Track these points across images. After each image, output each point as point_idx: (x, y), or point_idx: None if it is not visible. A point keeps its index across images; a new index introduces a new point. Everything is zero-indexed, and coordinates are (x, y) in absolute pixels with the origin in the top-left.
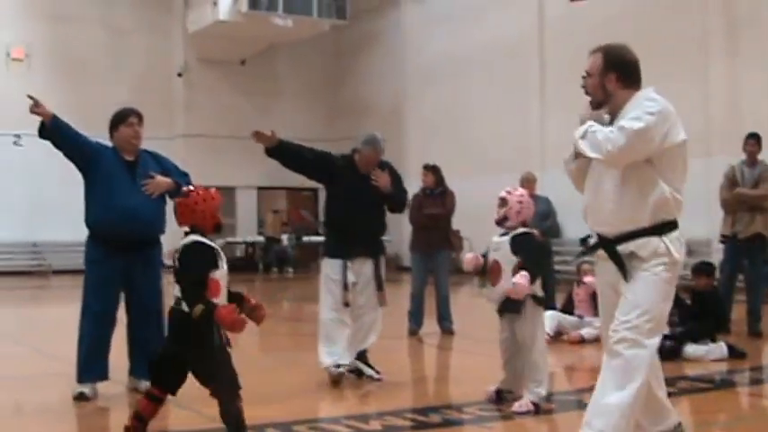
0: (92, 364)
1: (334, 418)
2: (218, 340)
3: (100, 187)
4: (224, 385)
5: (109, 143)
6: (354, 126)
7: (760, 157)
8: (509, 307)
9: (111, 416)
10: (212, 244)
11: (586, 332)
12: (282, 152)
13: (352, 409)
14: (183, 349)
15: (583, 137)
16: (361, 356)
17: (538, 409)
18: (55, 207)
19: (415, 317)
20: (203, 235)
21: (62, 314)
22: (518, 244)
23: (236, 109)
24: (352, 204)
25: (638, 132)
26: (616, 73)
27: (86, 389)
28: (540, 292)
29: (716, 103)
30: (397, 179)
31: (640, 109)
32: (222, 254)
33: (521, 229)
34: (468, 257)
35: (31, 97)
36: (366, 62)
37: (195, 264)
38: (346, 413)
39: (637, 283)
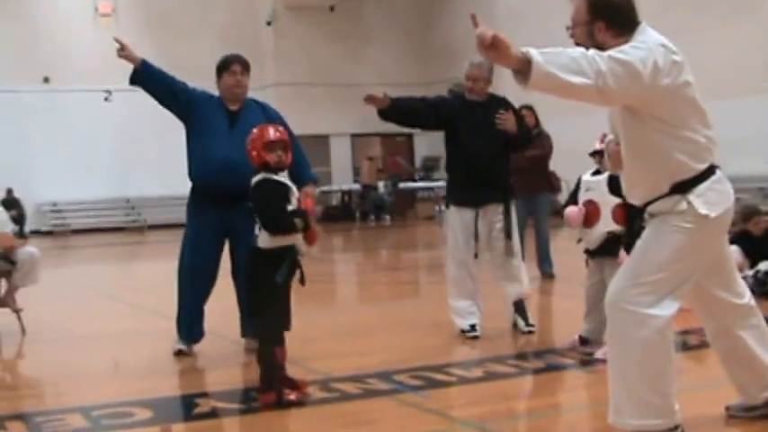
0: (191, 324)
1: (436, 366)
2: (281, 279)
3: (199, 139)
4: (266, 329)
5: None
6: (446, 69)
7: None
8: (609, 250)
9: (216, 372)
10: (282, 180)
11: None
12: (396, 112)
13: (453, 357)
14: (251, 286)
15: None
16: (516, 306)
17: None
18: (147, 162)
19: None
20: (271, 172)
21: (160, 269)
22: (619, 183)
23: (327, 56)
24: (475, 147)
25: (622, 62)
26: (604, 21)
27: (183, 345)
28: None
29: None
30: (517, 115)
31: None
32: (294, 189)
33: None
34: (573, 214)
35: (117, 41)
36: (456, 4)
37: (269, 199)
38: (447, 361)
39: (649, 233)
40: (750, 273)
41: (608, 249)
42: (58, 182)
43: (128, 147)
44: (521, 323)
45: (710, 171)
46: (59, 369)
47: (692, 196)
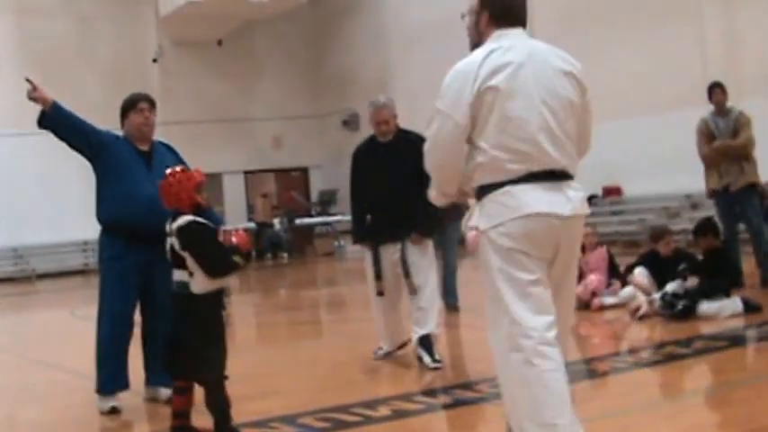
0: (115, 373)
1: (341, 406)
2: (219, 323)
3: (114, 179)
4: (216, 373)
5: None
6: (339, 101)
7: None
8: None
9: (138, 427)
10: (205, 221)
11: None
12: (58, 121)
13: (359, 396)
14: (188, 333)
15: None
16: (422, 341)
17: None
18: (33, 208)
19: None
20: (191, 214)
21: (52, 320)
22: None
23: (216, 92)
24: (377, 185)
25: (430, 140)
26: (488, 10)
27: (115, 401)
28: None
29: (714, 47)
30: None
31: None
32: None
33: None
34: (472, 237)
35: (29, 81)
36: (347, 34)
37: (206, 240)
38: (354, 401)
39: None
40: (657, 295)
41: None
42: None
43: (11, 192)
44: (426, 359)
45: (507, 183)
46: None
47: (479, 205)
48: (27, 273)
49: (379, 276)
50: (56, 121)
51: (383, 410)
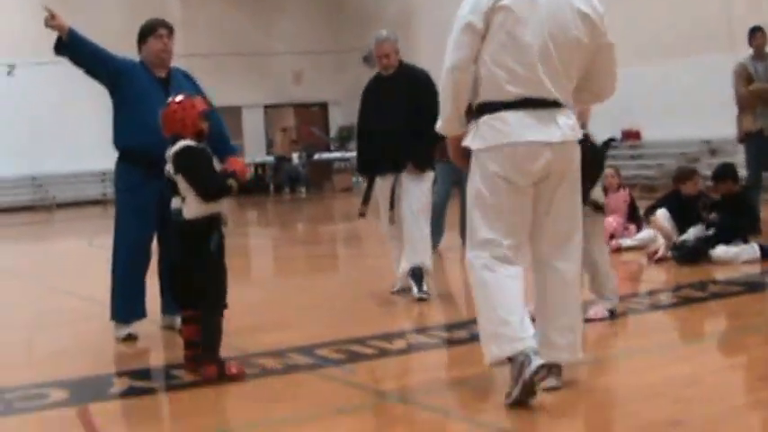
0: (131, 302)
1: (357, 338)
2: (215, 247)
3: (132, 106)
4: (211, 297)
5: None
6: (360, 36)
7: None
8: None
9: (154, 354)
10: (202, 146)
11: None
12: (76, 48)
13: (376, 329)
14: (185, 260)
15: None
16: (413, 272)
17: (613, 315)
18: (53, 138)
19: (434, 230)
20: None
21: (71, 249)
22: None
23: (238, 26)
24: (380, 118)
25: (450, 43)
26: None
27: (131, 329)
28: (601, 199)
29: None
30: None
31: None
32: (214, 157)
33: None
34: None
35: (47, 9)
36: None
37: (200, 164)
38: (370, 333)
39: None
40: (678, 239)
41: None
42: None
43: (33, 122)
44: (414, 289)
45: (502, 106)
46: None
47: (474, 125)
48: (46, 201)
49: (366, 201)
50: (73, 47)
51: (399, 343)
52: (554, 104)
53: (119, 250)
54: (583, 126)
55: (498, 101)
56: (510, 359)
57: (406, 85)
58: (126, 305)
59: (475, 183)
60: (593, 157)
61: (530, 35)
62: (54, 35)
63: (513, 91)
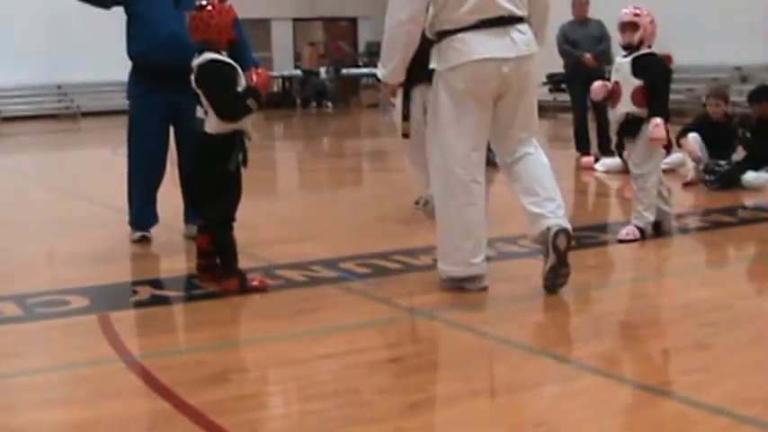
0: (143, 209)
1: (382, 253)
2: (233, 166)
3: (141, 14)
4: (218, 212)
5: None
6: None
7: None
8: (628, 130)
9: (176, 263)
10: (229, 60)
11: None
12: None
13: (399, 244)
14: (202, 171)
15: None
16: None
17: (644, 235)
18: (79, 47)
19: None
20: (218, 52)
21: (95, 157)
22: (642, 65)
23: None
24: None
25: None
26: None
27: (145, 232)
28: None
29: None
30: None
31: None
32: (240, 70)
33: (644, 50)
34: (597, 86)
35: None
36: None
37: (221, 82)
38: (395, 248)
39: None
40: (708, 164)
41: (628, 130)
42: None
43: (59, 31)
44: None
45: (465, 29)
46: None
47: (435, 49)
48: (71, 110)
49: (406, 118)
50: None
51: (424, 259)
52: (509, 20)
53: (132, 157)
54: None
55: (458, 27)
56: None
57: None
58: (139, 213)
59: (442, 102)
60: (662, 71)
61: None
62: None
63: (470, 18)
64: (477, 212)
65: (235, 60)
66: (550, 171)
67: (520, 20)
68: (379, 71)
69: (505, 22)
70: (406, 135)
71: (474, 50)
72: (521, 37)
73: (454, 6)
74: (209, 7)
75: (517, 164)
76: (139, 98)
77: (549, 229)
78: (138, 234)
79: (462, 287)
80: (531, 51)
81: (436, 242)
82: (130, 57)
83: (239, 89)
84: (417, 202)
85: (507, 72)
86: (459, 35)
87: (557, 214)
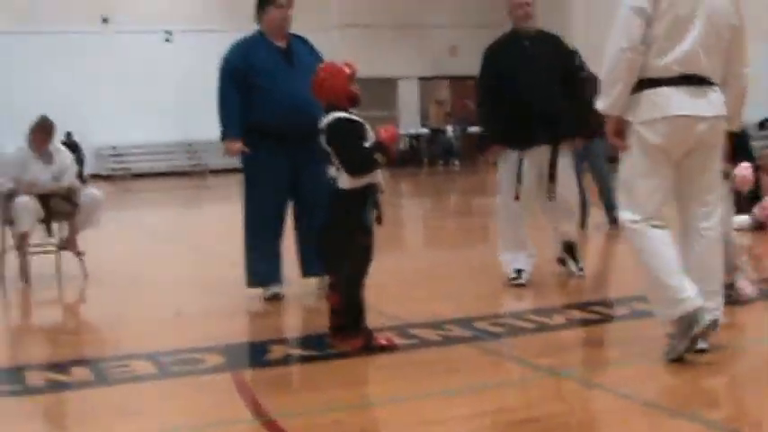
0: (268, 266)
1: (515, 312)
2: (366, 220)
3: (258, 79)
4: (350, 269)
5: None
6: None
7: None
8: None
9: (297, 316)
10: (356, 117)
11: None
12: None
13: (532, 304)
14: (335, 226)
15: None
16: (566, 247)
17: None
18: (209, 105)
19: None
20: (345, 110)
21: (223, 214)
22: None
23: None
24: (527, 82)
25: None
26: None
27: (277, 288)
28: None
29: None
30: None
31: None
32: (368, 126)
33: None
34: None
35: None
36: None
37: (348, 139)
38: (527, 307)
39: None
40: None
41: None
42: (118, 125)
43: (189, 89)
44: (571, 265)
45: (662, 82)
46: (123, 314)
47: (635, 99)
48: (200, 168)
49: (519, 179)
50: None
51: (558, 318)
52: (707, 82)
53: (253, 219)
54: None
55: (660, 77)
56: (679, 318)
57: (552, 45)
58: (263, 269)
59: (633, 154)
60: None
61: (691, 17)
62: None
63: (675, 69)
64: (672, 251)
65: None
66: (722, 256)
67: (715, 84)
68: (600, 102)
69: (704, 82)
70: (518, 197)
71: (673, 105)
72: (717, 97)
73: (658, 52)
74: (322, 71)
75: (695, 239)
76: (258, 163)
77: (698, 318)
78: (271, 291)
79: (688, 334)
80: (724, 113)
81: (648, 298)
82: (248, 120)
83: (367, 144)
84: (562, 261)
85: (702, 131)
86: (660, 89)
87: (717, 311)
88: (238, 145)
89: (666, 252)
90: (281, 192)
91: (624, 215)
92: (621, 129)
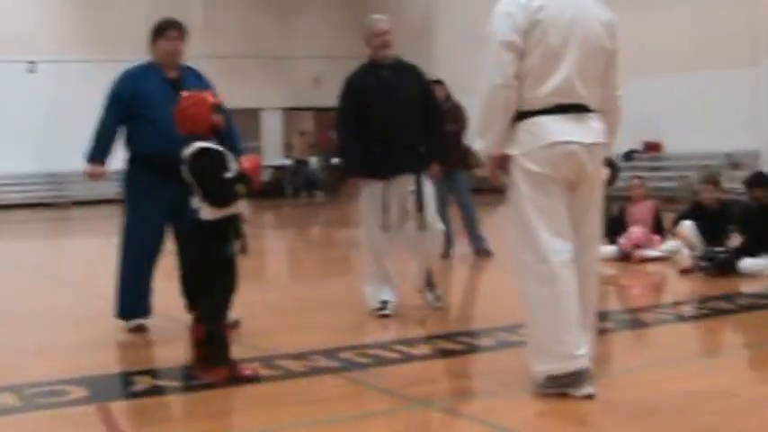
0: (136, 300)
1: (381, 343)
2: (227, 252)
3: (142, 109)
4: (213, 301)
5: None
6: None
7: None
8: None
9: (163, 348)
10: (218, 147)
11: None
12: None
13: (398, 334)
14: (198, 259)
15: None
16: (427, 279)
17: None
18: (72, 136)
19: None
20: (205, 140)
21: (88, 246)
22: None
23: (258, 28)
24: (389, 114)
25: (487, 66)
26: None
27: (141, 320)
28: None
29: (764, 9)
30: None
31: None
32: (230, 156)
33: None
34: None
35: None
36: None
37: (209, 169)
38: (393, 338)
39: None
40: (703, 251)
41: None
42: None
43: (53, 119)
44: (429, 296)
45: (538, 113)
46: None
47: (514, 130)
48: (64, 199)
49: (386, 210)
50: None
51: (424, 348)
52: (586, 109)
53: (126, 251)
54: None
55: (535, 109)
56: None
57: (412, 76)
58: (131, 303)
59: (522, 189)
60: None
61: (564, 46)
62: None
63: (552, 99)
64: (573, 301)
65: (226, 147)
66: (597, 294)
67: (593, 111)
68: (479, 143)
69: (582, 109)
70: (387, 228)
71: (551, 133)
72: (597, 125)
73: (533, 84)
74: (185, 100)
75: (578, 274)
76: (139, 194)
77: (584, 380)
78: (135, 322)
79: (565, 391)
80: (605, 141)
81: (529, 340)
82: (131, 151)
83: (228, 175)
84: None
85: (584, 159)
86: (536, 118)
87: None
88: (101, 169)
89: (568, 302)
90: (159, 221)
91: (523, 256)
92: (504, 167)
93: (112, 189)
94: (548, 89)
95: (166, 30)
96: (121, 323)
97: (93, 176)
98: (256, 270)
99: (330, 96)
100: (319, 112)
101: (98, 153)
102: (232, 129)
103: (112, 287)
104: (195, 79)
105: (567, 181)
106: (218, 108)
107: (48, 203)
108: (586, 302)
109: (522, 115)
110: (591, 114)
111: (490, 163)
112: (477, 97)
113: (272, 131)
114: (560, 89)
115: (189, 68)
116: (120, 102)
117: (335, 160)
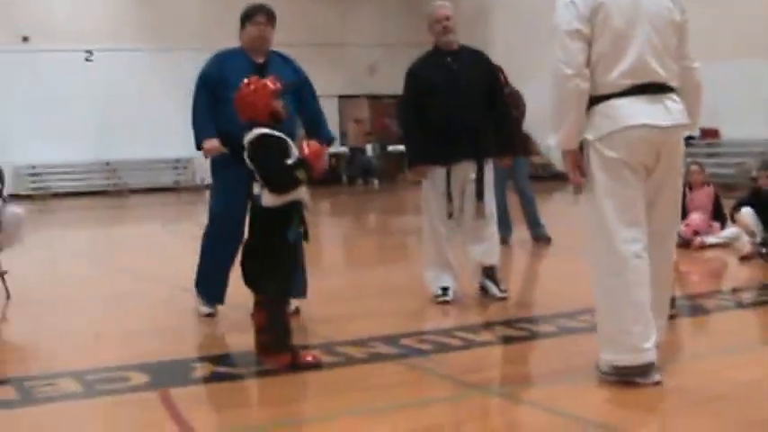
0: (215, 290)
1: (441, 329)
2: (292, 238)
3: (227, 92)
4: (274, 286)
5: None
6: None
7: None
8: None
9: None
10: (279, 134)
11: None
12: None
13: (459, 321)
14: (259, 244)
15: None
16: (487, 272)
17: None
18: (129, 124)
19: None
20: (266, 126)
21: (144, 233)
22: None
23: (315, 16)
24: (453, 100)
25: (557, 60)
26: None
27: (211, 308)
28: None
29: None
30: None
31: None
32: (291, 142)
33: None
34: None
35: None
36: None
37: (270, 155)
38: (453, 324)
39: None
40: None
41: None
42: (37, 144)
43: (109, 108)
44: (493, 289)
45: (612, 95)
46: (48, 333)
47: (589, 113)
48: (120, 187)
49: (450, 197)
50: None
51: (484, 334)
52: (662, 88)
53: (209, 236)
54: None
55: (610, 92)
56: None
57: (477, 61)
58: (213, 288)
59: (596, 177)
60: None
61: (632, 27)
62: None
63: (624, 82)
64: (644, 292)
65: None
66: (672, 281)
67: (672, 90)
68: (552, 138)
69: (658, 89)
70: (451, 215)
71: (627, 116)
72: (674, 105)
73: (604, 69)
74: (245, 87)
75: (653, 262)
76: (218, 173)
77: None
78: (206, 309)
79: (632, 381)
80: (684, 122)
81: (597, 329)
82: (220, 136)
83: (289, 161)
84: (483, 288)
85: (660, 142)
86: (611, 101)
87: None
88: (216, 143)
89: (637, 294)
90: (242, 206)
91: (595, 245)
92: (580, 163)
93: (168, 177)
94: (620, 71)
95: (254, 15)
96: (183, 310)
97: (211, 152)
98: (314, 257)
99: (385, 84)
100: (374, 99)
101: (205, 130)
102: (315, 113)
103: (168, 273)
104: (283, 63)
105: (644, 166)
106: (279, 94)
107: (104, 191)
108: (660, 290)
109: (596, 100)
110: (670, 94)
111: (566, 159)
112: (549, 90)
113: (327, 119)
114: (633, 70)
115: (277, 54)
116: (206, 84)
117: (393, 147)
